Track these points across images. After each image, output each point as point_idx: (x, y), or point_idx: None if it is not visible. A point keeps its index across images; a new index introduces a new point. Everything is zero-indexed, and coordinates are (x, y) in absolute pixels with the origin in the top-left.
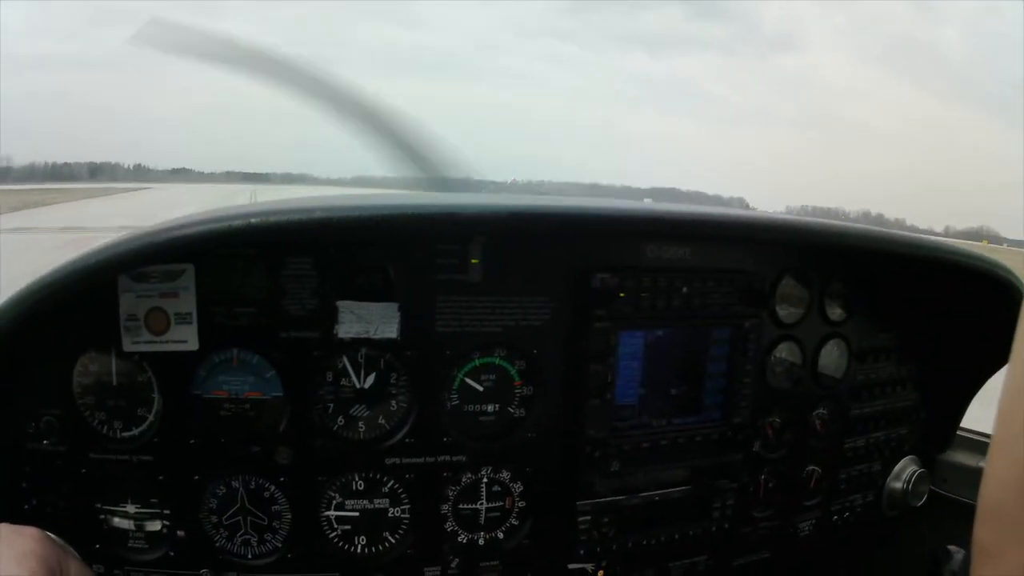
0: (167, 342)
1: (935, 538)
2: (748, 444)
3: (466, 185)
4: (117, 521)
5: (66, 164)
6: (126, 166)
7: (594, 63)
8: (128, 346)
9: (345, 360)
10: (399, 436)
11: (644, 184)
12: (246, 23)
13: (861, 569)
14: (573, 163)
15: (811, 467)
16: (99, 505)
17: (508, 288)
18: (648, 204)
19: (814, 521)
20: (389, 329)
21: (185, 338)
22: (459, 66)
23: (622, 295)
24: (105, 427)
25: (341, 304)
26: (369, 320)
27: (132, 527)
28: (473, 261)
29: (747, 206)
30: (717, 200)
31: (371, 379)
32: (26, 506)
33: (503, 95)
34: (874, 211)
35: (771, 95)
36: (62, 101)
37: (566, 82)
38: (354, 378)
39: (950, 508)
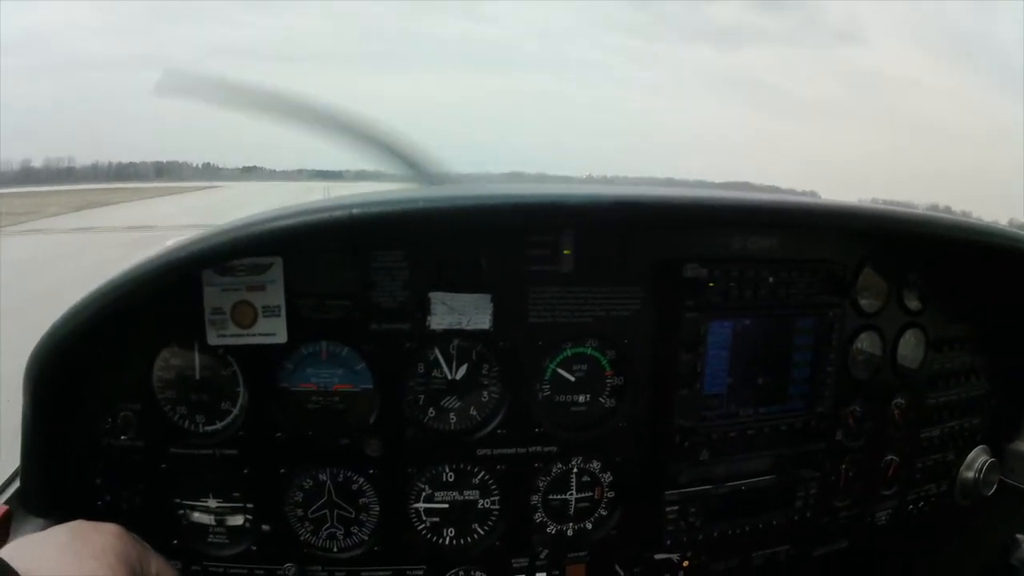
0: (255, 335)
1: (1005, 526)
2: (831, 433)
3: (542, 179)
4: (197, 516)
5: (131, 163)
6: (194, 164)
7: (661, 57)
8: (213, 339)
9: (437, 351)
10: (491, 427)
11: (718, 178)
12: (324, 19)
13: (934, 558)
14: (643, 157)
15: (889, 456)
16: (178, 500)
17: (599, 278)
18: (738, 194)
19: (891, 510)
20: (482, 320)
21: (273, 331)
22: (526, 61)
23: (711, 285)
24: (186, 421)
25: (433, 295)
26: (462, 311)
27: (213, 522)
28: (565, 252)
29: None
30: (791, 193)
31: (463, 370)
32: (99, 502)
33: (570, 89)
34: (942, 203)
35: (836, 88)
36: (127, 101)
37: (634, 76)
38: (446, 369)
39: (1018, 497)
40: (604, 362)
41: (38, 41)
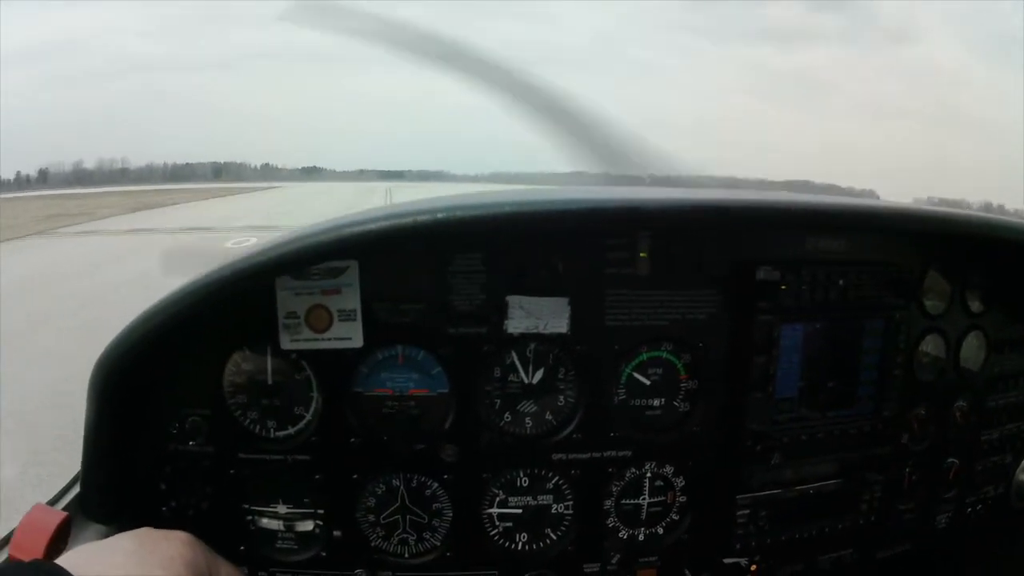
0: (330, 339)
1: None
2: (896, 437)
3: (606, 178)
4: (266, 522)
5: (187, 164)
6: (253, 165)
7: (719, 57)
8: (287, 344)
9: (514, 355)
10: (567, 431)
11: (778, 176)
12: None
13: (989, 560)
14: (702, 156)
15: (950, 459)
16: (247, 506)
17: (674, 281)
18: (811, 197)
19: (950, 513)
20: (559, 324)
21: (349, 335)
22: (586, 61)
23: (784, 287)
24: (257, 427)
25: (511, 299)
26: (539, 315)
27: (282, 527)
28: (641, 255)
29: (878, 198)
30: (850, 192)
31: (539, 374)
32: (164, 508)
33: (630, 89)
34: (995, 202)
35: (891, 86)
36: (186, 102)
37: (695, 75)
38: (522, 373)
39: None
40: (679, 366)
41: (85, 43)
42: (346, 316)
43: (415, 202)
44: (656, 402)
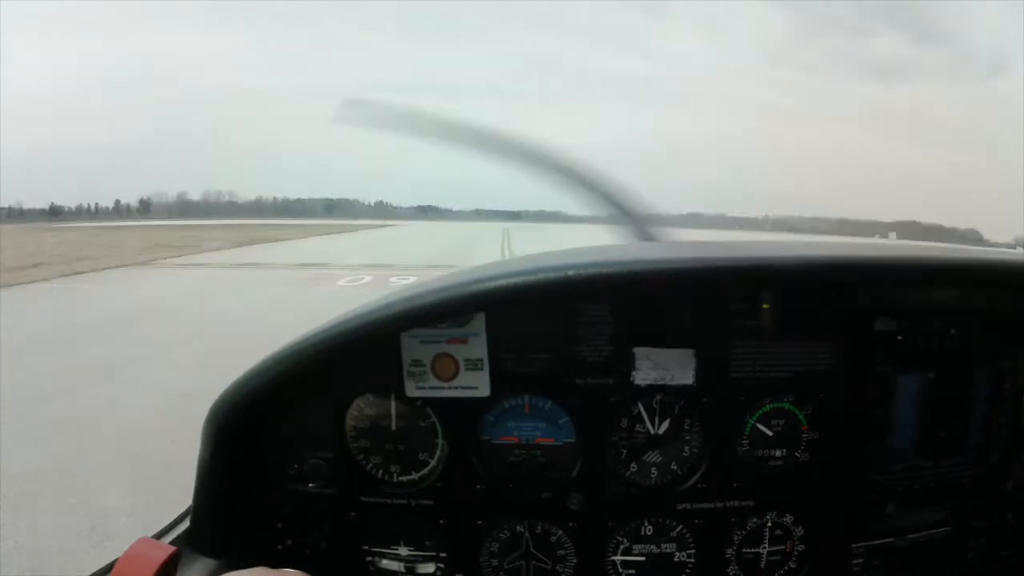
0: (456, 388)
1: None
2: (1002, 484)
3: (721, 221)
4: (386, 563)
5: (299, 200)
6: (366, 202)
7: (828, 92)
8: (412, 391)
9: (640, 406)
10: (691, 481)
11: (885, 217)
12: (488, 61)
13: None
14: (812, 195)
15: None
16: (366, 547)
17: (796, 332)
18: (931, 248)
19: None
20: (685, 376)
21: (475, 384)
22: (691, 97)
23: (900, 338)
24: (380, 471)
25: (638, 351)
26: (666, 367)
27: (402, 569)
28: (764, 306)
29: (981, 238)
30: (953, 233)
31: (665, 425)
32: (280, 546)
33: (734, 126)
34: None
35: (992, 120)
36: (299, 135)
37: (800, 111)
38: (648, 424)
39: None
40: (801, 417)
41: (192, 74)
42: (473, 366)
43: (543, 255)
44: (778, 452)
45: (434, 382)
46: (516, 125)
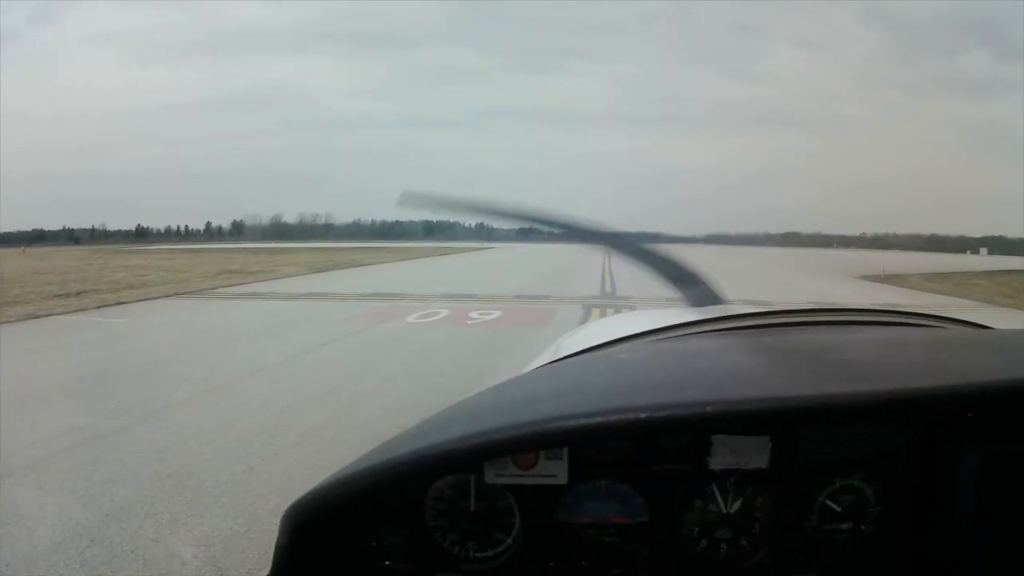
0: (535, 476)
1: None
2: None
3: (819, 239)
4: None
5: (397, 222)
6: (466, 224)
7: (917, 109)
8: (491, 479)
9: (714, 488)
10: (758, 556)
11: (976, 232)
12: (593, 78)
13: None
14: (904, 211)
15: None
16: None
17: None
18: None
19: None
20: (760, 460)
21: (554, 473)
22: (788, 118)
23: (969, 415)
24: (457, 548)
25: (716, 438)
26: (741, 452)
27: None
28: None
29: None
30: None
31: (737, 504)
32: None
33: (831, 146)
34: None
35: None
36: (398, 158)
37: (893, 129)
38: (721, 504)
39: None
40: (868, 493)
41: (290, 94)
42: (552, 455)
43: (629, 385)
44: (844, 526)
45: (514, 471)
46: (620, 147)
